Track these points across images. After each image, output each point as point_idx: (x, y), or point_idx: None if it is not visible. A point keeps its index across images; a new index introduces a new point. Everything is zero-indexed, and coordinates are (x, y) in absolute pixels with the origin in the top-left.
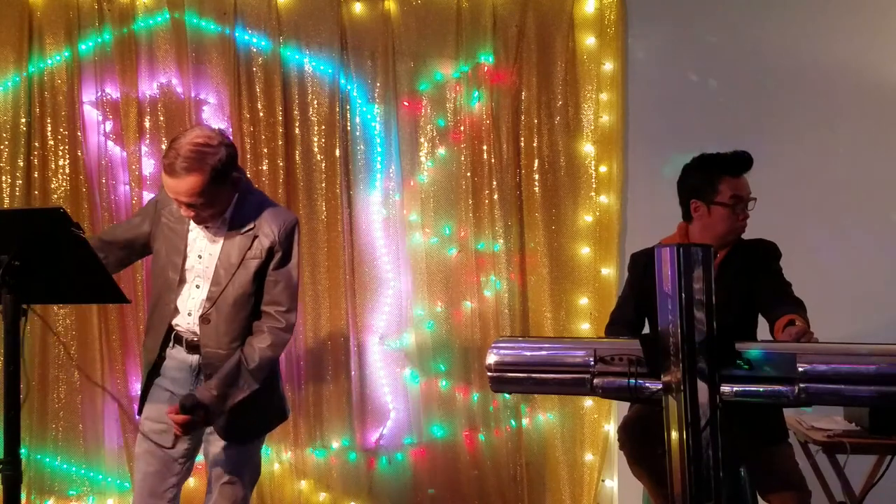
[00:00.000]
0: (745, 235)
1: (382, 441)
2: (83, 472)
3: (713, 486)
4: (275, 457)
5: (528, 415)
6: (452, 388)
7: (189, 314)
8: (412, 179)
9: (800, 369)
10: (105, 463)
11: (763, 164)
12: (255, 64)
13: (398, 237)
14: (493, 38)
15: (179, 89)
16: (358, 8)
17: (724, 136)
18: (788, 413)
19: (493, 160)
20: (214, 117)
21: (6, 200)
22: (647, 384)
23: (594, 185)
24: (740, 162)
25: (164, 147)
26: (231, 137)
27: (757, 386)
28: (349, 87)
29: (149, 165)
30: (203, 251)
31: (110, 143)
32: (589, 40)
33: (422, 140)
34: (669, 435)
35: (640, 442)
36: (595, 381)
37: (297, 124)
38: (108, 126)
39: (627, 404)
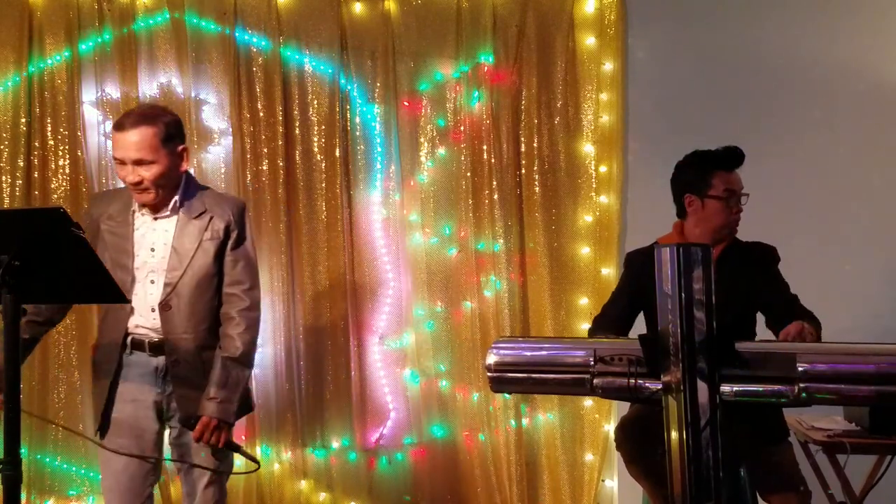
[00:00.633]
0: (743, 237)
1: (382, 441)
2: (83, 472)
3: (713, 486)
4: (275, 457)
5: (528, 415)
6: (452, 388)
7: (152, 310)
8: (412, 179)
9: (800, 369)
10: None
11: (763, 164)
12: (255, 64)
13: (398, 237)
14: (493, 38)
15: (179, 89)
16: (358, 8)
17: (724, 136)
18: (788, 413)
19: (493, 160)
20: (214, 117)
21: (6, 200)
22: (647, 384)
23: (594, 185)
24: (732, 157)
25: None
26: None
27: (757, 386)
28: (349, 87)
29: None
30: (156, 243)
31: (110, 143)
32: (589, 40)
33: (422, 140)
34: (669, 435)
35: (638, 442)
36: (595, 381)
37: (297, 124)
38: (108, 126)
39: (627, 404)
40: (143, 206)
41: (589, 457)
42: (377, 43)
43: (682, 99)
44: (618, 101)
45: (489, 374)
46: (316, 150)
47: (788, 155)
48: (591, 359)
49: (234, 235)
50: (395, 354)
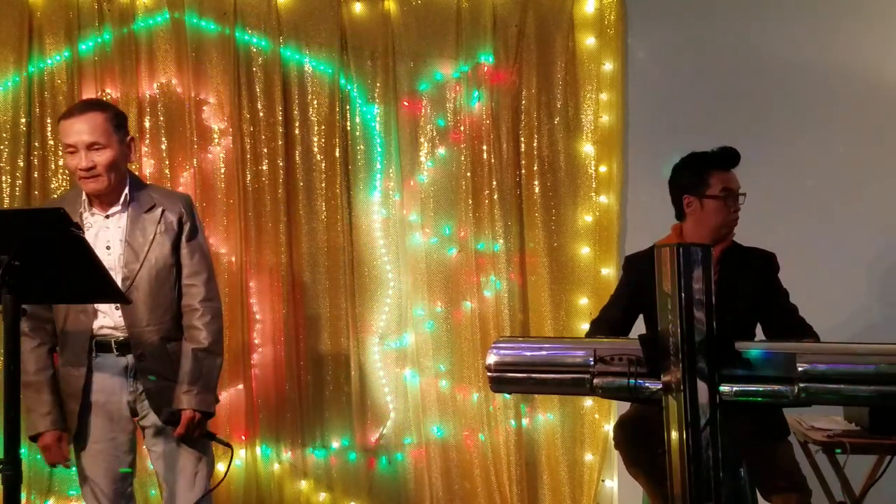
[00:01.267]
0: (744, 241)
1: (382, 441)
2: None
3: (713, 486)
4: (275, 457)
5: (528, 415)
6: (452, 388)
7: (116, 308)
8: (412, 179)
9: (800, 369)
10: None
11: (763, 164)
12: (255, 64)
13: (398, 237)
14: (493, 38)
15: (179, 89)
16: (358, 8)
17: (724, 136)
18: (788, 413)
19: (492, 160)
20: (214, 117)
21: (6, 200)
22: (647, 384)
23: (594, 185)
24: (728, 156)
25: (164, 147)
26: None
27: (757, 386)
28: (349, 87)
29: (148, 165)
30: (111, 241)
31: None
32: (589, 40)
33: (422, 140)
34: (669, 435)
35: (637, 441)
36: (595, 381)
37: (297, 124)
38: None
39: (627, 403)
40: (91, 204)
41: (589, 457)
42: (377, 43)
43: (682, 99)
44: (618, 101)
45: (489, 374)
46: (316, 150)
47: (788, 154)
48: (591, 359)
49: (186, 227)
50: (395, 354)
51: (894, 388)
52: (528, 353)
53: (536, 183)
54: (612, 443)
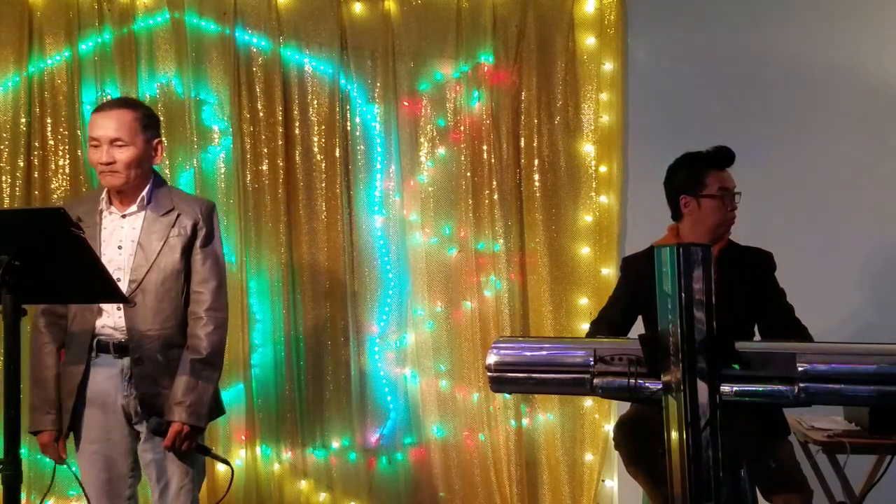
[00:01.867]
0: (743, 241)
1: (382, 441)
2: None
3: (713, 486)
4: (275, 457)
5: (528, 415)
6: (452, 388)
7: (118, 308)
8: (412, 179)
9: (800, 369)
10: None
11: (763, 164)
12: (255, 64)
13: (398, 237)
14: (493, 38)
15: (179, 89)
16: (358, 8)
17: (724, 136)
18: (788, 413)
19: (493, 160)
20: (214, 117)
21: (6, 200)
22: (647, 384)
23: (594, 185)
24: (724, 156)
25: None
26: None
27: (757, 386)
28: (349, 87)
29: None
30: (123, 241)
31: None
32: (589, 40)
33: (422, 140)
34: (669, 435)
35: (637, 442)
36: (595, 381)
37: (297, 124)
38: None
39: (627, 404)
40: (111, 202)
41: (589, 457)
42: (377, 43)
43: (682, 99)
44: (618, 101)
45: (489, 374)
46: (316, 150)
47: (788, 155)
48: (591, 359)
49: (201, 234)
50: (395, 354)
51: (894, 388)
52: (528, 353)
53: (536, 183)
54: (612, 443)
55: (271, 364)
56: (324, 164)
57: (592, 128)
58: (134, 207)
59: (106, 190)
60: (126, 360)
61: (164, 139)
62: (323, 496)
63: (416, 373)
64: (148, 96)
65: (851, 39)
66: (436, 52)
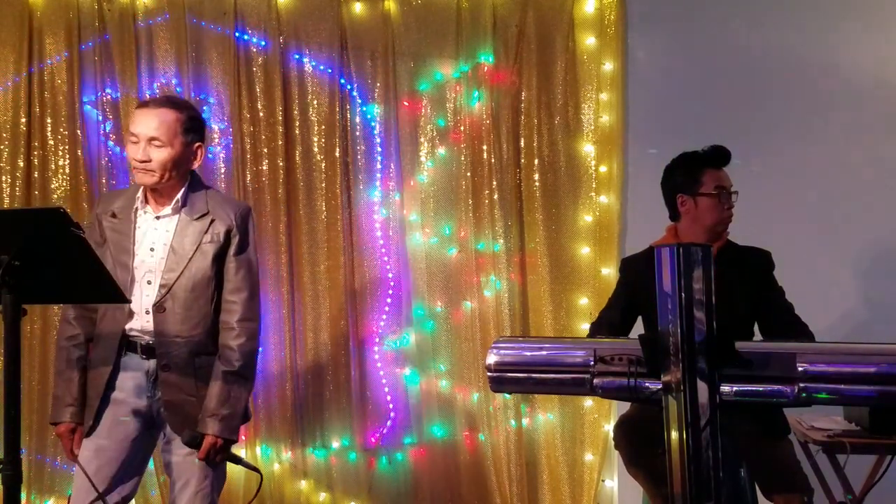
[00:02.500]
0: (740, 241)
1: (382, 441)
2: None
3: (713, 486)
4: (275, 457)
5: (528, 415)
6: (452, 388)
7: (147, 312)
8: (412, 179)
9: (799, 369)
10: None
11: (762, 164)
12: (255, 64)
13: (398, 237)
14: (493, 37)
15: (179, 89)
16: (358, 8)
17: (724, 136)
18: (788, 413)
19: (493, 160)
20: (214, 117)
21: (6, 200)
22: (647, 384)
23: (594, 185)
24: (720, 155)
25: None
26: (231, 137)
27: (757, 386)
28: (349, 87)
29: None
30: (156, 243)
31: (110, 143)
32: (589, 40)
33: (422, 140)
34: (669, 435)
35: (637, 442)
36: (595, 381)
37: (297, 124)
38: (108, 126)
39: (628, 404)
40: (146, 201)
41: (589, 457)
42: (377, 43)
43: (682, 99)
44: (618, 101)
45: (489, 374)
46: (316, 150)
47: (788, 155)
48: (591, 359)
49: (235, 241)
50: (395, 354)
51: (894, 388)
52: (528, 353)
53: (536, 183)
54: (612, 443)
55: (271, 364)
56: (324, 164)
57: (592, 128)
58: (168, 209)
59: (142, 188)
60: (153, 363)
61: (202, 143)
62: (323, 496)
63: (416, 373)
64: (148, 96)
65: (851, 40)
66: (436, 52)
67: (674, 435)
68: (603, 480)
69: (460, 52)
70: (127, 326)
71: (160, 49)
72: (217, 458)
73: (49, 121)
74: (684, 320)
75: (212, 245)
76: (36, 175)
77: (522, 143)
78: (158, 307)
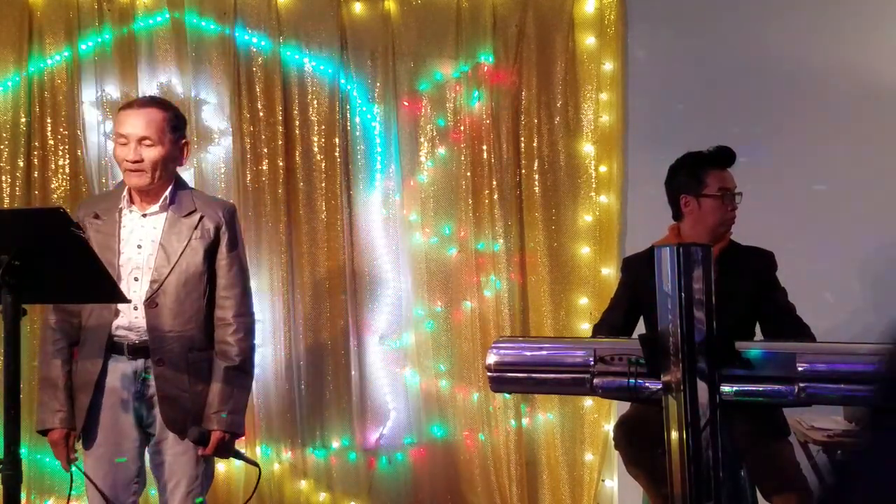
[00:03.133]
0: (743, 241)
1: (382, 441)
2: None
3: (713, 486)
4: (275, 457)
5: (528, 415)
6: (452, 388)
7: (135, 308)
8: (412, 179)
9: (799, 369)
10: None
11: (762, 164)
12: (255, 64)
13: (398, 237)
14: (493, 38)
15: (179, 89)
16: (358, 8)
17: (724, 136)
18: (788, 413)
19: (492, 160)
20: (214, 117)
21: (6, 200)
22: (647, 384)
23: (594, 185)
24: (724, 155)
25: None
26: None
27: (757, 385)
28: (349, 87)
29: None
30: (143, 240)
31: (110, 143)
32: (589, 40)
33: (422, 140)
34: (669, 435)
35: (637, 442)
36: (595, 380)
37: (297, 124)
38: (108, 126)
39: (628, 404)
40: (132, 201)
41: (589, 456)
42: (377, 43)
43: (682, 99)
44: (618, 101)
45: (489, 373)
46: (316, 150)
47: (788, 155)
48: (591, 359)
49: (225, 238)
50: (395, 354)
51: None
52: (528, 353)
53: (536, 183)
54: (612, 443)
55: (271, 364)
56: (324, 164)
57: (592, 128)
58: (156, 207)
59: (127, 188)
60: (139, 363)
61: (189, 140)
62: (323, 496)
63: (416, 373)
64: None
65: (851, 39)
66: (436, 52)
67: (674, 435)
68: (603, 480)
69: (460, 52)
70: (114, 324)
71: (160, 49)
72: (224, 453)
73: (49, 121)
74: (684, 320)
75: (202, 241)
76: (36, 175)
77: (522, 143)
78: (150, 302)
